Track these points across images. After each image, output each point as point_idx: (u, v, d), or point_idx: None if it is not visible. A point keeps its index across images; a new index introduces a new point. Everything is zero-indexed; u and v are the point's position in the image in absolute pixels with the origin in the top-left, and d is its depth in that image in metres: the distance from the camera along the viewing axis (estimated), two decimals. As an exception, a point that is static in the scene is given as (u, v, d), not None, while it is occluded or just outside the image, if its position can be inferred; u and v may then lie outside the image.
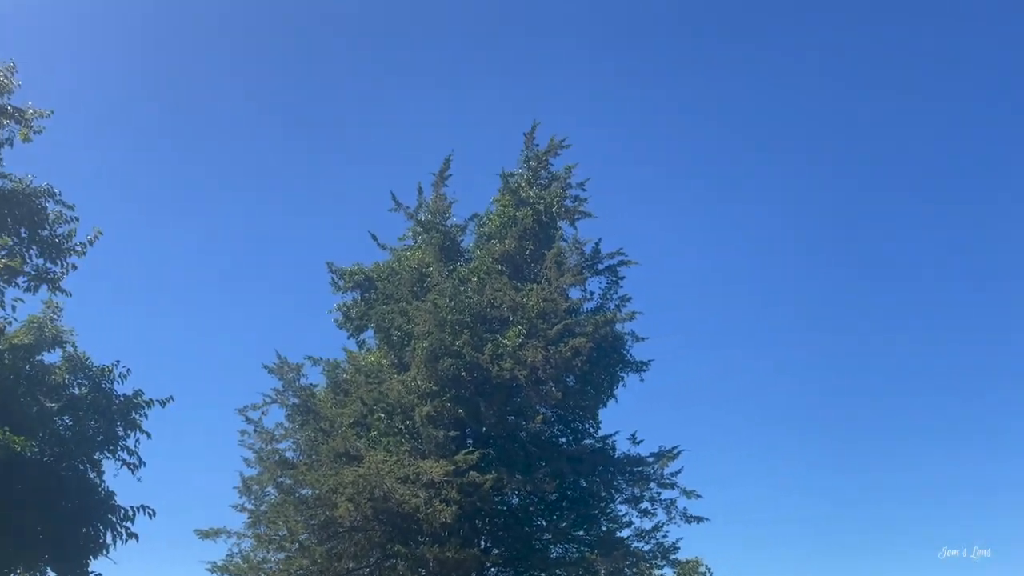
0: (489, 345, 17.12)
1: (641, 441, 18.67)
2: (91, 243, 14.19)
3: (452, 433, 17.02)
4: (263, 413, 18.89)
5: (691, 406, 43.27)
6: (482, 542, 17.76)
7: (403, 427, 17.67)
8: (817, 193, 52.92)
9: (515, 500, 18.26)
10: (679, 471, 18.22)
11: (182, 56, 47.95)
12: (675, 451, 18.29)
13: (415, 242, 20.36)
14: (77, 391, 15.20)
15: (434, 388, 17.07)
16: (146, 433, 15.51)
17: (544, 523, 18.29)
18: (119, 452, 15.24)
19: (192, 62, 48.99)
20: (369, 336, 19.98)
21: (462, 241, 20.55)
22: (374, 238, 20.55)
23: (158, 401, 15.56)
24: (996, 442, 41.53)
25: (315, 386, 19.26)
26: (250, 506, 18.07)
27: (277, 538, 17.26)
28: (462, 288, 18.21)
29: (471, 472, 16.17)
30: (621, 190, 45.48)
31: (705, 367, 46.44)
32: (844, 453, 42.76)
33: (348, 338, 20.15)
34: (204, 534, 17.38)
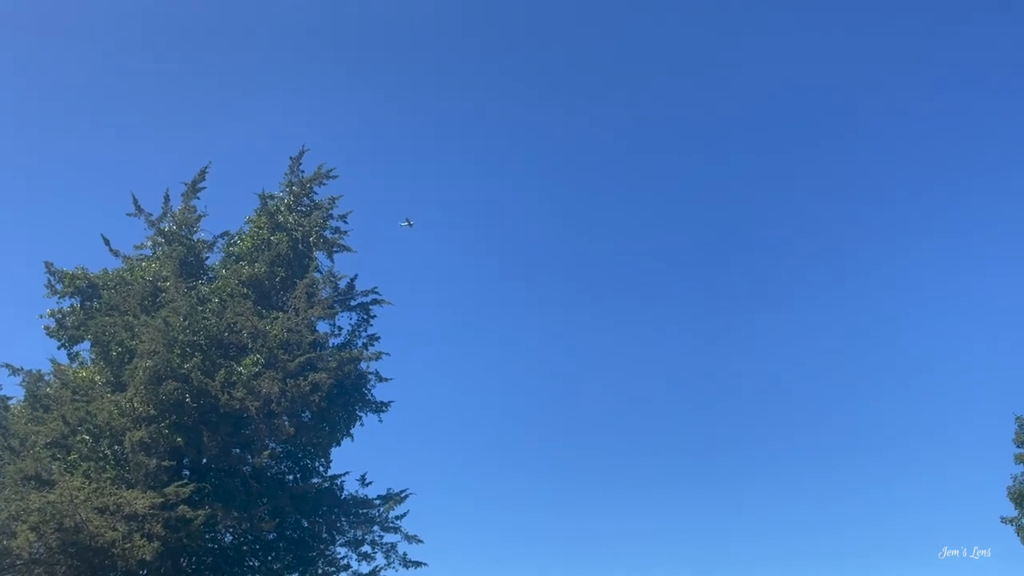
0: (222, 371, 16.18)
1: (370, 483, 18.54)
2: None
3: (166, 463, 15.78)
4: (-62, 424, 16.57)
5: (431, 448, 43.41)
6: (185, 582, 16.46)
7: (109, 452, 16.10)
8: (582, 235, 54.66)
9: (229, 538, 17.23)
10: (404, 515, 18.22)
11: None
12: (403, 494, 18.26)
13: (153, 253, 18.97)
14: None
15: (152, 412, 15.80)
16: None
17: (257, 563, 17.36)
18: None
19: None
20: (85, 349, 18.24)
21: (207, 258, 19.47)
22: (106, 242, 18.90)
23: None
24: (996, 441, 42.06)
25: (10, 398, 17.24)
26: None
27: (-66, 571, 14.95)
28: (200, 308, 17.13)
29: (182, 506, 15.06)
30: (385, 228, 45.31)
31: (448, 410, 46.97)
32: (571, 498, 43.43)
33: (59, 348, 18.29)
34: None
